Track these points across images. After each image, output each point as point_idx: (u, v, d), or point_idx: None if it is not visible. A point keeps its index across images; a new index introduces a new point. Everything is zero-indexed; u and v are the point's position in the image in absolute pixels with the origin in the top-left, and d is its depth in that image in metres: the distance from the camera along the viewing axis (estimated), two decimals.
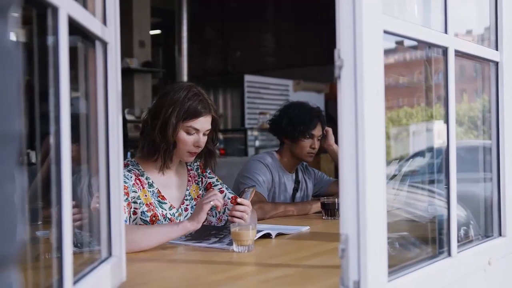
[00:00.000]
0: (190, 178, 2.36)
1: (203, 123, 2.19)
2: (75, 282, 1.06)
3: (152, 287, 1.50)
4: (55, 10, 0.97)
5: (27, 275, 1.12)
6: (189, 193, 2.33)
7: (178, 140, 2.17)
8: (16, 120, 0.57)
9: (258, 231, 2.00)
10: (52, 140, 0.99)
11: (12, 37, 0.58)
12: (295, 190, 3.08)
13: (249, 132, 7.55)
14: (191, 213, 2.28)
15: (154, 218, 2.16)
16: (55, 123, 0.98)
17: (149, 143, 2.18)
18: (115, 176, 1.36)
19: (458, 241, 1.51)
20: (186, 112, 2.14)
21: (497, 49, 1.75)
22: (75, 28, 1.09)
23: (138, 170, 2.20)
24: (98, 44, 1.31)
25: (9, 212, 0.56)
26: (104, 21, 1.33)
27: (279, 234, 2.14)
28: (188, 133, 2.17)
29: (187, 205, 2.31)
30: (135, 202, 2.11)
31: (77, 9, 1.08)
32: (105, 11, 1.34)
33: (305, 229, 2.30)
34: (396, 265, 1.30)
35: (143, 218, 2.15)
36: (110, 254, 1.35)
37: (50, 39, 0.99)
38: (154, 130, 2.15)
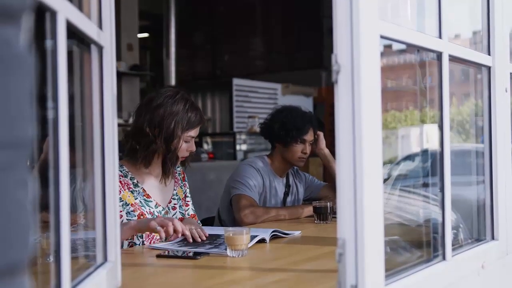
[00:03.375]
0: (176, 180, 2.42)
1: (198, 130, 2.30)
2: None
3: None
4: (53, 14, 0.96)
5: None
6: (176, 193, 2.40)
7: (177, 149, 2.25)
8: (29, 126, 0.56)
9: (252, 237, 1.99)
10: (50, 144, 0.98)
11: (25, 42, 0.58)
12: (286, 194, 3.08)
13: (237, 136, 7.53)
14: (179, 211, 2.37)
15: (142, 217, 2.20)
16: (53, 127, 0.97)
17: (150, 153, 2.20)
18: (111, 180, 1.36)
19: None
20: (188, 124, 2.23)
21: (489, 54, 1.77)
22: (71, 31, 1.08)
23: (121, 172, 2.21)
24: (93, 48, 1.31)
25: (23, 218, 0.55)
26: (100, 25, 1.32)
27: (273, 237, 2.14)
28: (186, 141, 2.26)
29: (174, 204, 2.37)
30: None
31: (75, 13, 1.07)
32: (101, 15, 1.33)
33: (297, 233, 2.30)
34: (392, 269, 1.30)
35: (130, 218, 2.16)
36: (105, 259, 1.34)
37: (48, 43, 0.98)
38: (155, 142, 2.19)
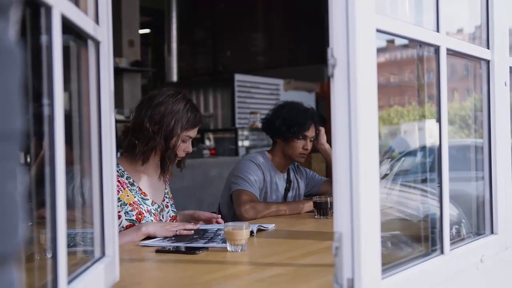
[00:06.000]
0: (166, 180, 2.44)
1: (196, 131, 2.32)
2: (69, 282, 1.06)
3: (145, 287, 1.49)
4: (48, 9, 0.96)
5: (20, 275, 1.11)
6: (167, 192, 2.42)
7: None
8: (18, 119, 0.57)
9: None
10: (45, 140, 0.98)
11: (13, 36, 0.58)
12: (287, 189, 3.08)
13: (239, 132, 7.53)
14: (172, 210, 2.40)
15: (140, 216, 2.21)
16: (49, 123, 0.97)
17: (149, 149, 2.21)
18: (108, 176, 1.36)
19: (450, 239, 1.51)
20: (187, 123, 2.25)
21: (488, 48, 1.76)
22: (67, 27, 1.08)
23: (118, 171, 2.21)
24: (90, 43, 1.31)
25: (11, 209, 0.56)
26: (97, 20, 1.32)
27: (259, 230, 2.19)
28: (184, 141, 2.27)
29: (167, 202, 2.40)
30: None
31: (70, 8, 1.07)
32: (98, 10, 1.33)
33: (271, 226, 2.32)
34: (389, 263, 1.30)
35: (129, 218, 2.17)
36: (103, 254, 1.34)
37: (43, 38, 0.98)
38: (155, 138, 2.20)
